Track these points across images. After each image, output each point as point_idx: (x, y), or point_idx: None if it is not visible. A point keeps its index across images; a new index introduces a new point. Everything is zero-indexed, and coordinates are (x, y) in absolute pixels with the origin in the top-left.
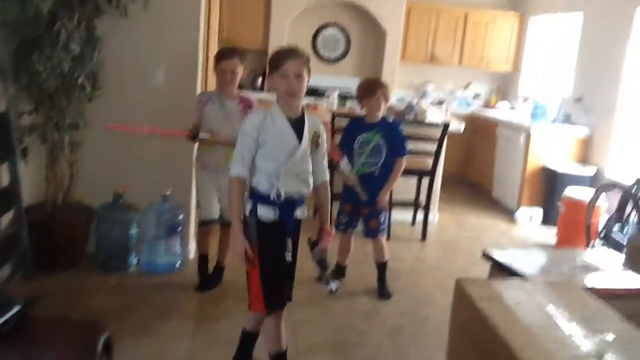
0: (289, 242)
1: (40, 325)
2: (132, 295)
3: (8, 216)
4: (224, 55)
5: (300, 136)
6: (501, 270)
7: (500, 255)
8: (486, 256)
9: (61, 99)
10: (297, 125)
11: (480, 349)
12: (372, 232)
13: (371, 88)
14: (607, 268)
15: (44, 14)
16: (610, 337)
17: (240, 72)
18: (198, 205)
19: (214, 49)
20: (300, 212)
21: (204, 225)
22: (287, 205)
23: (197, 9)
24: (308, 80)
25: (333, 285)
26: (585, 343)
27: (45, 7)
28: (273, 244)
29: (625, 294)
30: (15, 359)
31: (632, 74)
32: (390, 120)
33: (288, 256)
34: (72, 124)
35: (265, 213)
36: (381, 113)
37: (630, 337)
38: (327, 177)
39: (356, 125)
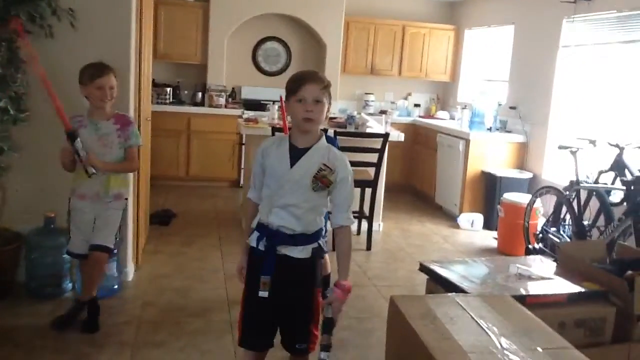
0: (264, 279)
1: None
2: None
3: None
4: (98, 72)
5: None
6: (437, 282)
7: (436, 268)
8: (423, 268)
9: None
10: (302, 154)
11: None
12: None
13: None
14: (539, 276)
15: None
16: (539, 349)
17: (116, 88)
18: (67, 238)
19: (148, 67)
20: (297, 251)
21: (79, 258)
22: (275, 239)
23: (127, 26)
24: (328, 108)
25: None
26: (514, 357)
27: None
28: (249, 276)
29: (554, 301)
30: None
31: (563, 84)
32: (330, 134)
33: (262, 293)
34: None
35: (253, 241)
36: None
37: (557, 348)
38: (347, 222)
39: None
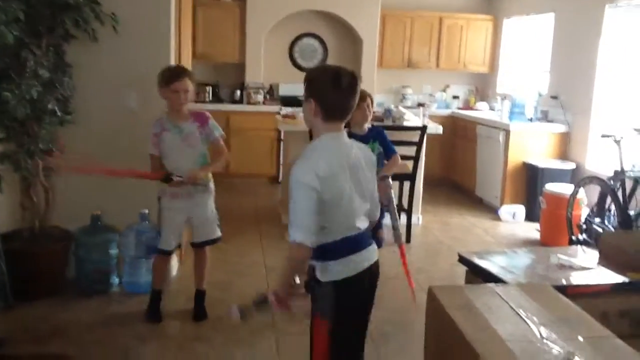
0: None
1: None
2: (114, 319)
3: None
4: (174, 76)
5: None
6: (476, 273)
7: (475, 259)
8: (462, 260)
9: (32, 126)
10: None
11: (449, 354)
12: (379, 243)
13: (360, 95)
14: (581, 266)
15: (9, 42)
16: (579, 338)
17: (192, 90)
18: (158, 233)
19: (187, 66)
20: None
21: (163, 254)
22: None
23: (167, 28)
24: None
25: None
26: (554, 346)
27: (10, 35)
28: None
29: (597, 291)
30: None
31: (605, 72)
32: (374, 125)
33: None
34: (45, 150)
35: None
36: (369, 123)
37: (599, 337)
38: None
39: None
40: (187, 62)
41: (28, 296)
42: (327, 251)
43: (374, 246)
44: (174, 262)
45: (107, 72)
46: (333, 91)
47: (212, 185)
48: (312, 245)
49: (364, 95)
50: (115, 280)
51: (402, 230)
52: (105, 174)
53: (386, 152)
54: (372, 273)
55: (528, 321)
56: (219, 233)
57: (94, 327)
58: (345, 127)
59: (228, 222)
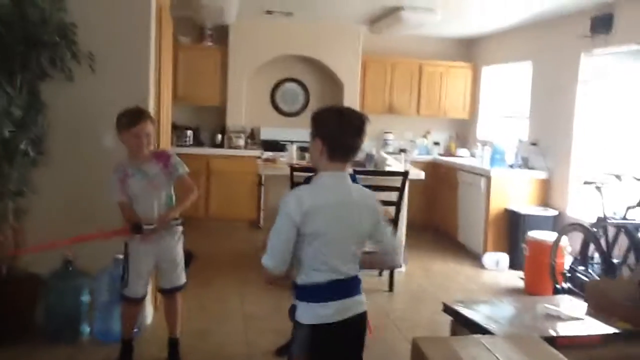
0: None
1: None
2: None
3: None
4: (135, 120)
5: None
6: (461, 323)
7: (460, 309)
8: (447, 309)
9: (3, 166)
10: None
11: None
12: None
13: None
14: (569, 316)
15: None
16: None
17: (153, 133)
18: (123, 282)
19: (167, 110)
20: None
21: (132, 302)
22: None
23: (146, 69)
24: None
25: None
26: None
27: None
28: None
29: (587, 341)
30: None
31: (584, 118)
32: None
33: None
34: (16, 191)
35: None
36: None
37: None
38: None
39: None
40: (168, 104)
41: None
42: (310, 292)
43: (362, 297)
44: (149, 309)
45: (83, 112)
46: (339, 132)
47: (181, 228)
48: (280, 273)
49: None
50: (85, 328)
51: (385, 278)
52: (71, 244)
53: None
54: (356, 324)
55: None
56: (184, 279)
57: None
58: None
59: (207, 266)
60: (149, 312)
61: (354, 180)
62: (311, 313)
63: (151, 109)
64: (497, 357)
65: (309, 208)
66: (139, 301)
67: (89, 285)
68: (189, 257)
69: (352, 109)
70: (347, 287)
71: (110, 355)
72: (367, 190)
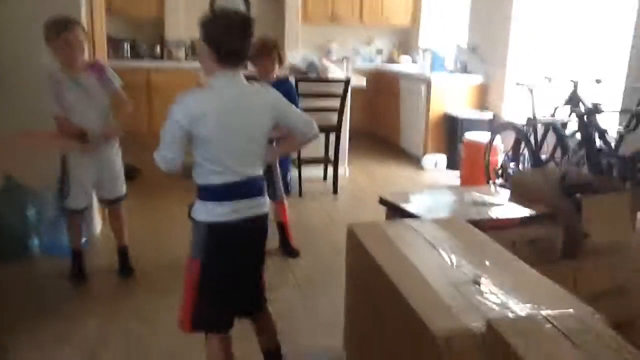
0: None
1: None
2: (36, 282)
3: None
4: (64, 26)
5: None
6: (395, 213)
7: (393, 198)
8: (382, 201)
9: None
10: None
11: (367, 287)
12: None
13: (264, 49)
14: (493, 202)
15: None
16: (487, 263)
17: (85, 41)
18: (62, 193)
19: (100, 21)
20: None
21: (75, 213)
22: None
23: None
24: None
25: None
26: (463, 270)
27: None
28: None
29: (507, 224)
30: None
31: (520, 24)
32: (285, 78)
33: None
34: None
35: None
36: (274, 75)
37: (505, 261)
38: None
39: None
40: (101, 17)
41: None
42: (207, 193)
43: (264, 199)
44: (96, 220)
45: (17, 28)
46: (225, 35)
47: (117, 141)
48: (172, 168)
49: (269, 50)
50: (35, 242)
51: (329, 182)
52: (24, 141)
53: None
54: (254, 225)
55: (440, 250)
56: (125, 190)
57: (13, 289)
58: (250, 79)
59: (150, 179)
60: (97, 223)
61: (287, 87)
62: (206, 211)
63: (83, 20)
64: (423, 237)
65: (196, 113)
66: (82, 212)
67: (33, 200)
68: (133, 171)
69: (238, 11)
70: (245, 188)
71: (62, 267)
72: (267, 90)
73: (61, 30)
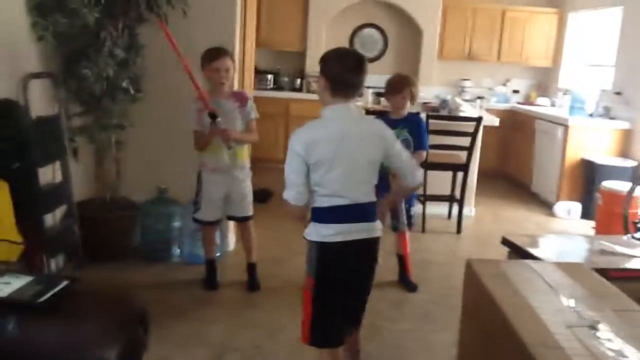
0: None
1: (82, 298)
2: (174, 284)
3: (61, 211)
4: (215, 55)
5: None
6: (518, 255)
7: (516, 239)
8: (505, 241)
9: (107, 102)
10: None
11: (482, 323)
12: (394, 226)
13: (397, 85)
14: (624, 253)
15: (90, 23)
16: (608, 310)
17: (232, 70)
18: (196, 205)
19: (251, 54)
20: None
21: (206, 225)
22: None
23: (233, 15)
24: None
25: None
26: (582, 314)
27: (92, 17)
28: None
29: (636, 275)
30: (58, 327)
31: None
32: (416, 113)
33: None
34: (118, 124)
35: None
36: (406, 110)
37: (628, 310)
38: None
39: (382, 120)
40: (251, 48)
41: (97, 259)
42: (318, 215)
43: (373, 224)
44: (231, 236)
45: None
46: (340, 69)
47: (248, 165)
48: (299, 206)
49: (402, 87)
50: (176, 250)
51: (453, 221)
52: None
53: (415, 143)
54: (361, 249)
55: (559, 293)
56: (252, 211)
57: (154, 289)
58: (384, 113)
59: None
60: (231, 239)
61: (417, 122)
62: (316, 232)
63: (236, 52)
64: (543, 279)
65: (309, 140)
66: (212, 224)
67: (179, 212)
68: (266, 194)
69: (354, 50)
70: (351, 212)
71: (198, 275)
72: (376, 121)
73: (213, 58)
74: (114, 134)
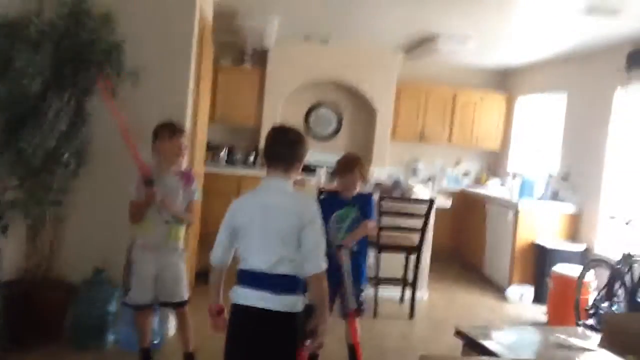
0: None
1: None
2: None
3: None
4: (178, 131)
5: None
6: (472, 347)
7: (471, 332)
8: (459, 334)
9: (46, 175)
10: None
11: None
12: (342, 310)
13: (347, 165)
14: (581, 347)
15: (31, 93)
16: None
17: (187, 148)
18: (126, 289)
19: (203, 127)
20: None
21: (138, 310)
22: None
23: (185, 88)
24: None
25: None
26: None
27: (34, 87)
28: None
29: None
30: None
31: (616, 153)
32: (367, 194)
33: None
34: (55, 200)
35: None
36: (356, 190)
37: None
38: None
39: (332, 200)
40: (204, 123)
41: (24, 343)
42: (237, 275)
43: (273, 296)
44: (171, 321)
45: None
46: (271, 143)
47: (181, 246)
48: (213, 261)
49: (352, 167)
50: (110, 336)
51: (406, 305)
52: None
53: (363, 216)
54: (257, 317)
55: None
56: (186, 296)
57: None
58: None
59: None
60: (171, 325)
61: (366, 199)
62: (231, 291)
63: (187, 126)
64: None
65: (236, 206)
66: (145, 309)
67: (116, 295)
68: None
69: (289, 125)
70: (256, 279)
71: None
72: (305, 198)
73: (174, 134)
74: (49, 210)
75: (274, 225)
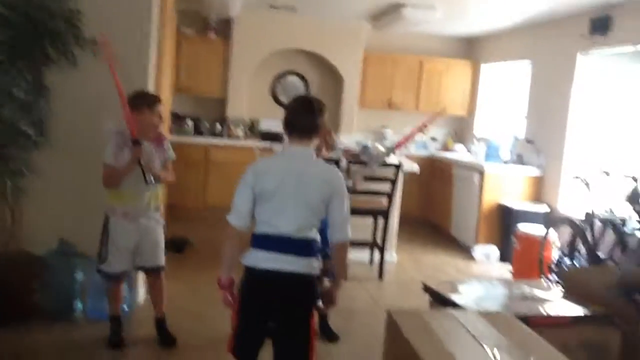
0: None
1: None
2: (76, 346)
3: None
4: (154, 99)
5: None
6: (439, 302)
7: (438, 287)
8: (426, 289)
9: (4, 147)
10: None
11: None
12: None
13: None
14: (544, 298)
15: None
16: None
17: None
18: (100, 256)
19: (166, 98)
20: None
21: (112, 279)
22: None
23: (146, 57)
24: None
25: None
26: None
27: None
28: None
29: (557, 322)
30: None
31: (578, 117)
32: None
33: None
34: (16, 170)
35: None
36: (322, 156)
37: (550, 358)
38: None
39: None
40: (167, 93)
41: None
42: (254, 240)
43: (298, 259)
44: (140, 289)
45: (85, 96)
46: (293, 113)
47: (159, 215)
48: (240, 229)
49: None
50: (79, 305)
51: (375, 267)
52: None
53: None
54: (281, 280)
55: (484, 345)
56: (163, 261)
57: (54, 355)
58: None
59: (203, 253)
60: (140, 292)
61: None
62: (247, 255)
63: None
64: (467, 330)
65: (259, 170)
66: (119, 277)
67: (82, 265)
68: (182, 243)
69: (308, 95)
70: (282, 243)
71: (103, 333)
72: (331, 167)
73: (154, 103)
74: (9, 181)
75: (305, 191)
